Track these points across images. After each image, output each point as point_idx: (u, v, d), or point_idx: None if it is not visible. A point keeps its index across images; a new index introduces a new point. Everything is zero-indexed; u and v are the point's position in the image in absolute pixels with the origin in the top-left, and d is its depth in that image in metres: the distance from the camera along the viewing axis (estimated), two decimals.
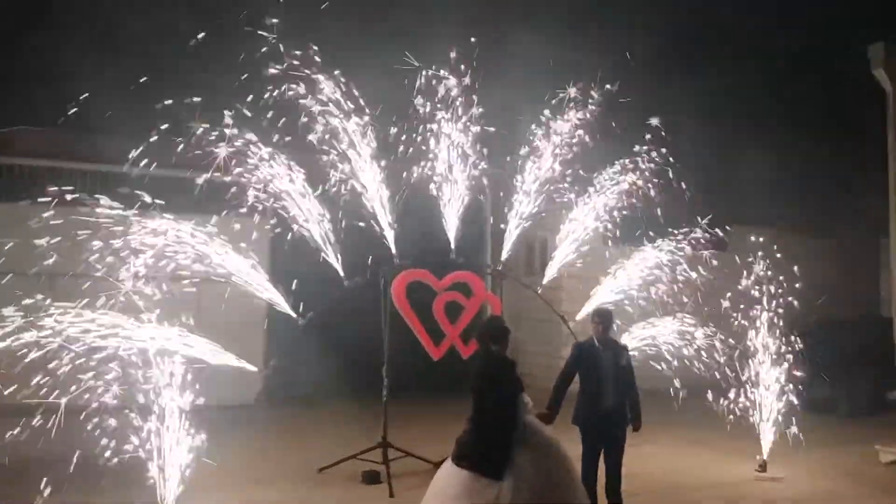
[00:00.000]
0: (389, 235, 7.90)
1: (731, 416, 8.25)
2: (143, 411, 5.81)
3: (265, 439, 9.03)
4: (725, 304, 8.48)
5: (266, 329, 10.97)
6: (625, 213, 8.42)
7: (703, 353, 8.11)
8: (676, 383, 7.97)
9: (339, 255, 7.61)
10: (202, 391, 6.09)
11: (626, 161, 8.27)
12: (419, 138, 7.87)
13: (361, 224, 7.69)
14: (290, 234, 7.41)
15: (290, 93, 7.13)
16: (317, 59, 7.20)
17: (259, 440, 8.91)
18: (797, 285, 8.54)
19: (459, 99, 7.86)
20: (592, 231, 8.52)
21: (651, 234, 8.49)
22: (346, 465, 7.61)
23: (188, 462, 5.91)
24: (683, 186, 8.32)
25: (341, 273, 7.66)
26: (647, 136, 8.19)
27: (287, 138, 7.22)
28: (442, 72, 7.75)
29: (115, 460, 5.73)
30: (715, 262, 8.49)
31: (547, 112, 8.22)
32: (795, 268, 8.68)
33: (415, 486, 6.68)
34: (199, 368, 6.29)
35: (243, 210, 7.14)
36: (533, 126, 8.24)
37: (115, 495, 6.07)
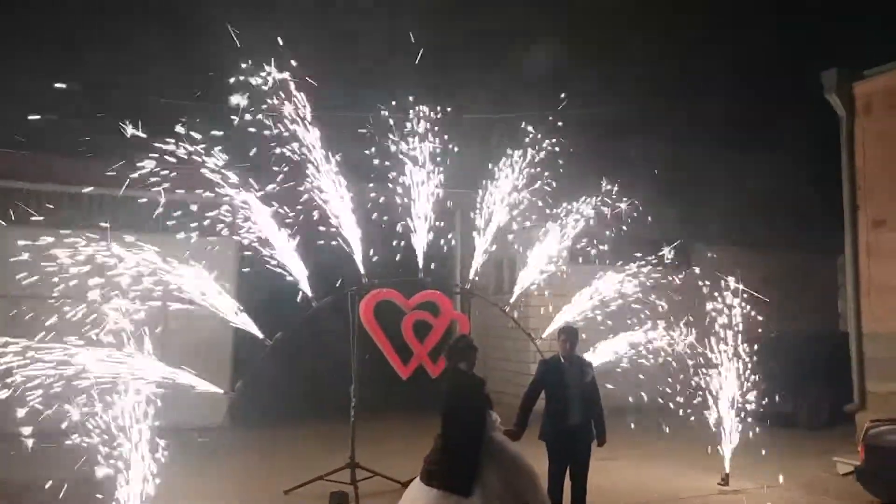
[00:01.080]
0: (358, 255, 7.94)
1: (695, 431, 8.42)
2: (106, 435, 5.72)
3: (232, 462, 8.92)
4: (687, 319, 8.67)
5: (233, 350, 10.91)
6: (590, 237, 8.59)
7: (669, 365, 8.30)
8: (644, 397, 8.11)
9: (307, 276, 7.63)
10: (168, 414, 6.03)
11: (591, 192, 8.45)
12: (387, 161, 7.97)
13: (327, 242, 7.71)
14: (254, 255, 7.40)
15: (258, 113, 7.17)
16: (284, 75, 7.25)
17: (225, 462, 8.80)
18: (758, 302, 8.78)
19: (425, 124, 7.97)
20: (560, 252, 8.67)
21: (616, 255, 8.70)
22: (313, 487, 7.55)
23: (153, 486, 5.81)
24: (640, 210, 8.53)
25: (309, 294, 7.67)
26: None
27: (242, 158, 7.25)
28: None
29: (78, 485, 5.65)
30: (678, 281, 8.71)
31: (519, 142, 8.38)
32: (757, 285, 8.93)
33: None
34: (164, 391, 6.23)
35: (211, 233, 7.14)
36: (506, 148, 8.35)
37: None
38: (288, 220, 7.52)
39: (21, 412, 5.44)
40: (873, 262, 9.74)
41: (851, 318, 10.10)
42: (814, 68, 10.63)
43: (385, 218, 8.12)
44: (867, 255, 9.83)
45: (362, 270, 7.99)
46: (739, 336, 8.55)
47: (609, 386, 7.64)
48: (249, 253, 7.34)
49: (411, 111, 7.90)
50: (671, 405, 8.86)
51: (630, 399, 9.13)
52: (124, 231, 6.65)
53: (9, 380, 5.42)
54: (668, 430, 9.03)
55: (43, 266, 6.11)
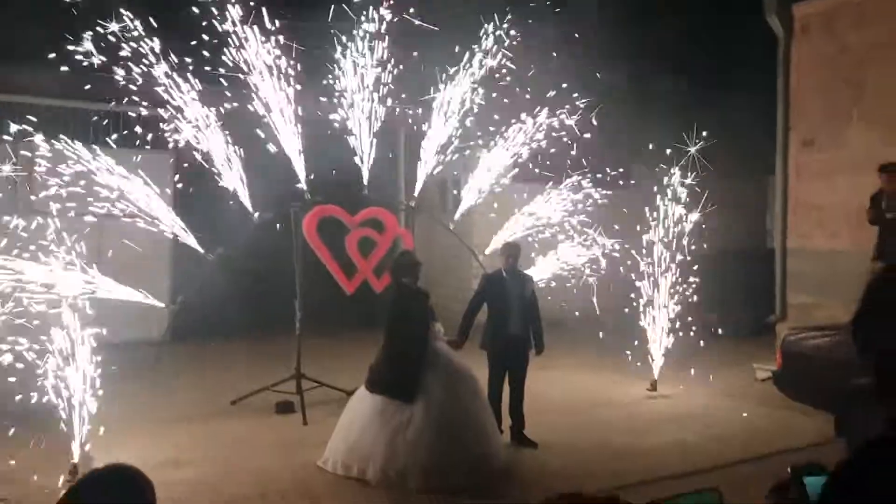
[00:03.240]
0: (301, 171, 7.84)
1: (627, 342, 8.85)
2: (45, 353, 5.65)
3: (175, 376, 8.94)
4: (624, 235, 8.96)
5: (172, 264, 10.76)
6: (534, 151, 8.63)
7: (605, 279, 8.64)
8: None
9: (247, 189, 7.52)
10: (108, 329, 5.97)
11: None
12: (333, 68, 7.77)
13: (269, 155, 7.54)
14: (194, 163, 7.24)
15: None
16: None
17: (169, 377, 8.82)
18: (691, 219, 9.10)
19: (372, 29, 7.74)
20: (503, 169, 8.72)
21: (559, 173, 8.81)
22: (259, 398, 7.68)
23: (96, 402, 5.81)
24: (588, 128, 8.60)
25: (250, 208, 7.58)
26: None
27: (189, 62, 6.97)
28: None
29: (19, 403, 5.62)
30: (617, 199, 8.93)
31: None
32: (693, 203, 9.23)
33: (328, 415, 6.86)
34: (103, 306, 6.16)
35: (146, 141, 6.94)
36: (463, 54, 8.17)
37: (23, 439, 5.95)
38: (228, 132, 7.35)
39: None
40: (801, 181, 10.15)
41: (778, 235, 10.61)
42: None
43: (329, 133, 7.98)
44: (796, 175, 10.24)
45: (305, 186, 7.90)
46: (672, 252, 8.92)
47: (548, 297, 7.92)
48: (186, 165, 7.18)
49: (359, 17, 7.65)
50: (606, 318, 9.27)
51: (567, 311, 9.48)
52: (55, 142, 6.39)
53: None
54: (604, 343, 9.45)
55: None
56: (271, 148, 7.57)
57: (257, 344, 10.26)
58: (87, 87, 6.78)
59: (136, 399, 7.42)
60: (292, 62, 7.44)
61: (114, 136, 7.54)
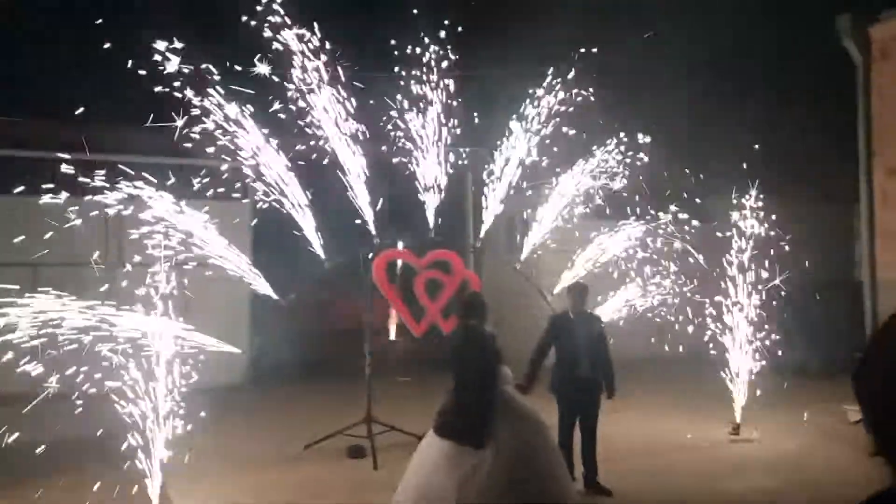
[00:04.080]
0: (369, 215, 8.01)
1: (705, 382, 8.51)
2: (128, 396, 5.90)
3: (251, 420, 9.16)
4: (701, 270, 8.69)
5: (251, 310, 11.11)
6: (602, 191, 8.54)
7: (679, 317, 8.37)
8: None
9: (319, 235, 7.73)
10: (188, 375, 6.19)
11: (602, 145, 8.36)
12: (397, 116, 7.96)
13: (339, 201, 7.75)
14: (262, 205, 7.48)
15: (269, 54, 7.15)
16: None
17: (245, 421, 9.04)
18: (773, 251, 8.76)
19: (440, 72, 7.92)
20: (570, 208, 8.65)
21: (629, 209, 8.67)
22: (331, 442, 7.77)
23: (175, 445, 6.01)
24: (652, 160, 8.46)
25: (322, 254, 7.78)
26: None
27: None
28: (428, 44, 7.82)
29: (102, 445, 5.87)
30: (690, 232, 8.70)
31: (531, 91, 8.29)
32: (773, 234, 8.89)
33: (399, 459, 6.84)
34: (184, 352, 6.39)
35: (221, 189, 7.26)
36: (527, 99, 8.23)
37: (103, 479, 6.20)
38: (300, 180, 7.61)
39: (54, 376, 5.64)
40: (888, 209, 9.65)
41: (866, 267, 10.06)
42: (832, 11, 10.34)
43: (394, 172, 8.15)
44: (882, 203, 9.74)
45: (374, 231, 8.06)
46: (753, 287, 8.58)
47: (620, 336, 7.73)
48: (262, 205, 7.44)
49: (423, 61, 7.84)
50: (682, 357, 8.95)
51: (640, 351, 9.22)
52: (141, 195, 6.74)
53: (39, 342, 5.60)
54: (679, 382, 9.13)
55: (64, 233, 6.24)
56: (343, 195, 7.79)
57: (331, 386, 10.39)
58: (171, 141, 7.17)
59: (212, 443, 7.60)
60: (359, 107, 7.68)
61: (195, 188, 7.89)
